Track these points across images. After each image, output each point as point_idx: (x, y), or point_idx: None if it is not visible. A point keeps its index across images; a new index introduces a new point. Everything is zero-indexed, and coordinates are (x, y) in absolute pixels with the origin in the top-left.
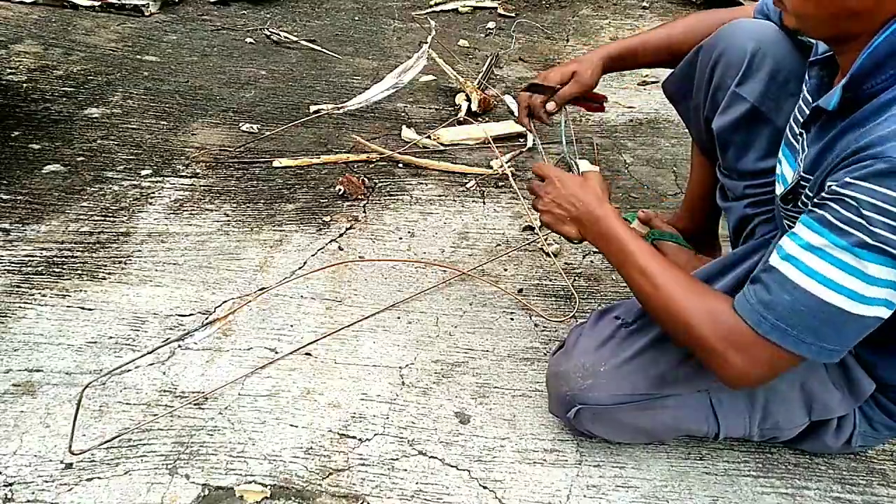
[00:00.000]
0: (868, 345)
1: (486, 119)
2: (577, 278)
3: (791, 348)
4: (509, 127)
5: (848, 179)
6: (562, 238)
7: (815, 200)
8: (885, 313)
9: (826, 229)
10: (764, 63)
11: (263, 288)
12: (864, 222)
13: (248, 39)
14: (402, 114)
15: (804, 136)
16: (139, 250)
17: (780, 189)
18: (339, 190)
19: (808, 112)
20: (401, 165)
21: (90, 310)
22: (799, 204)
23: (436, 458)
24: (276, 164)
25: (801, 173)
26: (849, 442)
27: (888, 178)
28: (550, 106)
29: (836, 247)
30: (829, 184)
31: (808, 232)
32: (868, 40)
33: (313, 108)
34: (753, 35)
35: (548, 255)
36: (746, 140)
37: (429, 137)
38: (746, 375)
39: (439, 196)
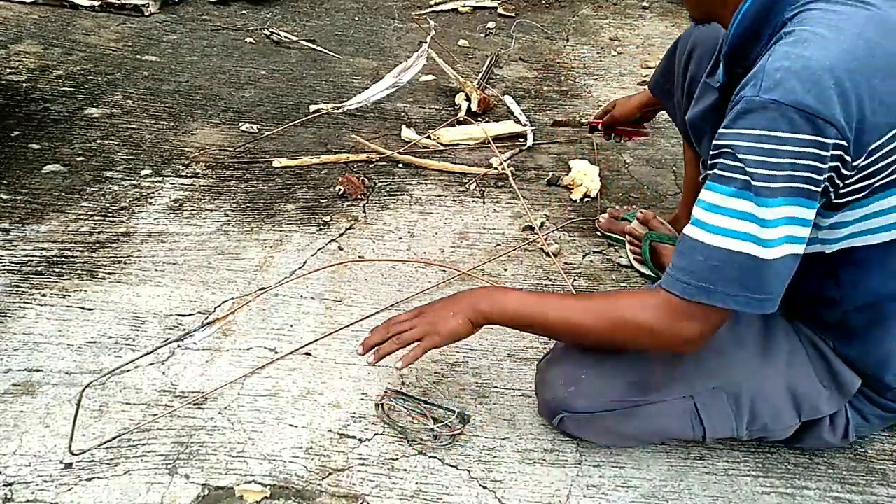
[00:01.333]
0: (843, 338)
1: (486, 119)
2: (577, 278)
3: (720, 304)
4: (509, 127)
5: (721, 131)
6: (561, 238)
7: (708, 163)
8: (796, 250)
9: (715, 183)
10: None
11: (263, 288)
12: (741, 165)
13: (248, 39)
14: (402, 114)
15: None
16: (139, 250)
17: None
18: (339, 190)
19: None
20: (401, 165)
21: (90, 310)
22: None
23: (436, 458)
24: (276, 163)
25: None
26: (846, 436)
27: (747, 115)
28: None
29: (727, 196)
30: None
31: (705, 192)
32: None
33: (313, 107)
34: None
35: (548, 254)
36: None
37: (429, 137)
38: (693, 340)
39: (439, 196)
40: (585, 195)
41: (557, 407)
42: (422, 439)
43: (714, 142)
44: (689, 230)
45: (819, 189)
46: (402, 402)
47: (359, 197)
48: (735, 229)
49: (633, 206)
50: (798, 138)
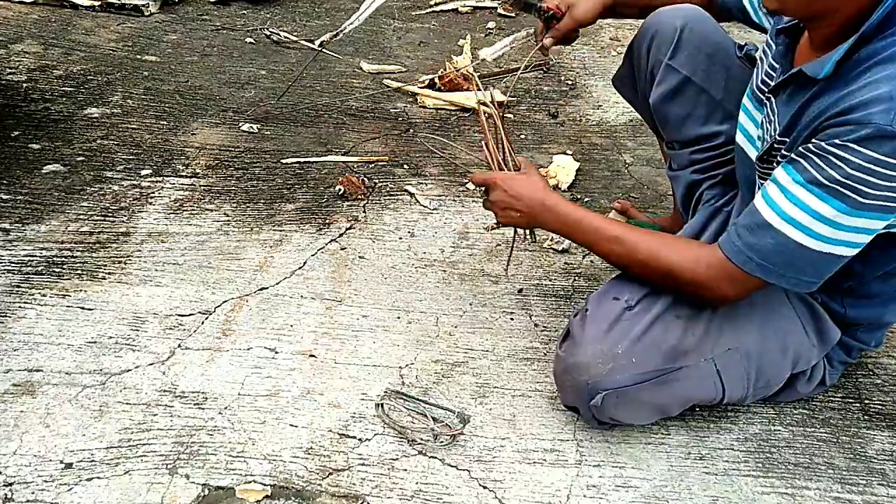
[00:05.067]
0: (853, 300)
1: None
2: (577, 278)
3: (773, 280)
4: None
5: (837, 141)
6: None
7: (799, 150)
8: (855, 250)
9: (808, 182)
10: (693, 37)
11: (263, 288)
12: (846, 179)
13: (248, 39)
14: (402, 114)
15: (772, 100)
16: (139, 250)
17: (751, 151)
18: (339, 190)
19: (777, 77)
20: (404, 166)
21: (90, 310)
22: (774, 164)
23: (436, 458)
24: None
25: (777, 136)
26: (822, 383)
27: (874, 140)
28: (548, 41)
29: (815, 196)
30: (815, 141)
31: (789, 181)
32: (843, 16)
33: (318, 41)
34: (680, 14)
35: (556, 251)
36: (684, 109)
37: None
38: (738, 297)
39: (439, 196)
40: (556, 186)
41: (596, 387)
42: (422, 439)
43: (820, 142)
44: (766, 212)
45: None
46: (402, 402)
47: (359, 197)
48: (813, 229)
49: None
50: None
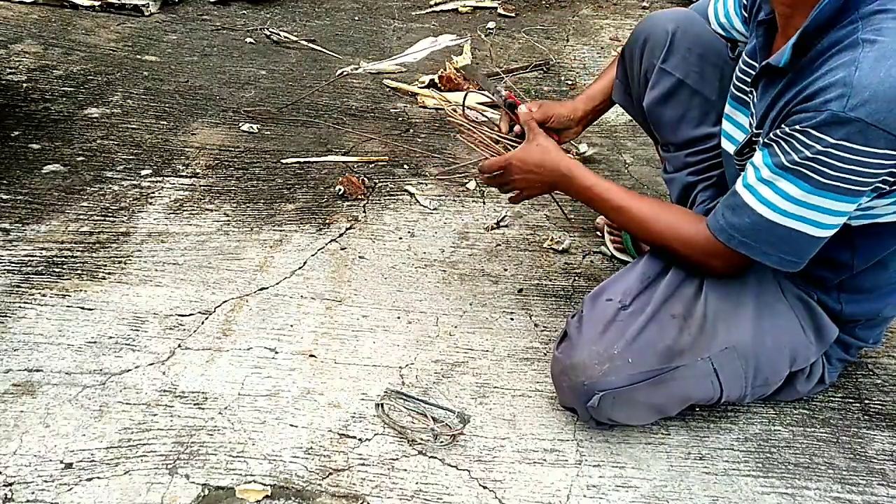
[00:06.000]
0: (846, 294)
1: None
2: (577, 278)
3: (756, 257)
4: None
5: (798, 127)
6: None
7: (771, 136)
8: (830, 232)
9: (774, 165)
10: (684, 40)
11: (263, 288)
12: (809, 162)
13: (248, 39)
14: (402, 114)
15: (754, 93)
16: (139, 250)
17: (730, 147)
18: (339, 190)
19: (754, 70)
20: (404, 166)
21: (90, 310)
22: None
23: (436, 458)
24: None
25: (754, 129)
26: (821, 381)
27: (832, 126)
28: (504, 126)
29: (782, 178)
30: (783, 126)
31: (763, 166)
32: (811, 5)
33: (342, 70)
34: (671, 18)
35: (557, 251)
36: (678, 112)
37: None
38: (727, 271)
39: (439, 196)
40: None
41: (593, 388)
42: (422, 439)
43: (786, 127)
44: (743, 194)
45: (868, 189)
46: (402, 402)
47: (359, 197)
48: (783, 208)
49: None
50: (870, 151)
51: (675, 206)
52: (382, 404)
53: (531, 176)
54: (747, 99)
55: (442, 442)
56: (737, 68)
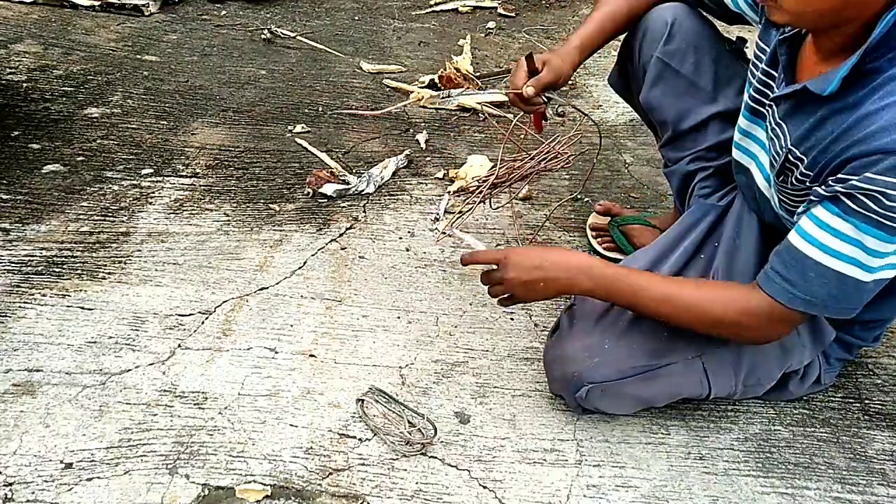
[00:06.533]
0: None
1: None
2: None
3: (817, 312)
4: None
5: (868, 174)
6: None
7: (831, 186)
8: (892, 273)
9: (845, 214)
10: (682, 31)
11: (263, 288)
12: (884, 210)
13: (248, 39)
14: (402, 114)
15: (773, 110)
16: (139, 250)
17: (744, 159)
18: (308, 193)
19: (778, 88)
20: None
21: (90, 310)
22: (793, 181)
23: (436, 458)
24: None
25: (789, 146)
26: (817, 382)
27: None
28: (529, 90)
29: (859, 230)
30: (846, 177)
31: (829, 216)
32: (856, 25)
33: (386, 108)
34: (670, 10)
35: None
36: (675, 102)
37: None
38: (779, 336)
39: (439, 196)
40: (461, 189)
41: (581, 380)
42: (392, 442)
43: (847, 176)
44: (803, 246)
45: None
46: (382, 403)
47: (330, 181)
48: (849, 255)
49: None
50: None
51: (713, 283)
52: (364, 400)
53: (536, 273)
54: (765, 112)
55: (414, 448)
56: (754, 80)
